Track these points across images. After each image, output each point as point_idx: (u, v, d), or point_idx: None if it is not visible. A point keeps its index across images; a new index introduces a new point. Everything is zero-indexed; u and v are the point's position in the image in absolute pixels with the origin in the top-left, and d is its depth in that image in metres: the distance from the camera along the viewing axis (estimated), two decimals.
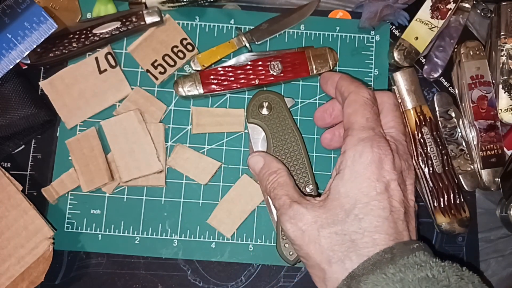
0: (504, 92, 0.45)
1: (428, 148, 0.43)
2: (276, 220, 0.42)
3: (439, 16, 0.45)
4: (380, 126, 0.34)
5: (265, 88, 0.45)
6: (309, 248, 0.31)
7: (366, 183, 0.31)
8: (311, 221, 0.31)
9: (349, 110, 0.34)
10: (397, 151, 0.33)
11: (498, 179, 0.44)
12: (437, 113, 0.45)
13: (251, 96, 0.44)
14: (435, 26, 0.45)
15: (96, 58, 0.44)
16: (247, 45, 0.45)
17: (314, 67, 0.44)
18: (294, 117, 0.43)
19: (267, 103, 0.43)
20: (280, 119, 0.42)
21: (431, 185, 0.43)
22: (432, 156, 0.43)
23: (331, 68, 0.44)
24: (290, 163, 0.42)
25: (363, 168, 0.31)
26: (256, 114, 0.43)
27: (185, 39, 0.45)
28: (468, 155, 0.45)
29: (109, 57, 0.44)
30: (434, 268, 0.27)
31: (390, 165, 0.31)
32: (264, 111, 0.43)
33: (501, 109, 0.45)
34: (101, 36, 0.43)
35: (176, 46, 0.45)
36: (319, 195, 0.42)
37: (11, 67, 0.39)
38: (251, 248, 0.43)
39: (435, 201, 0.43)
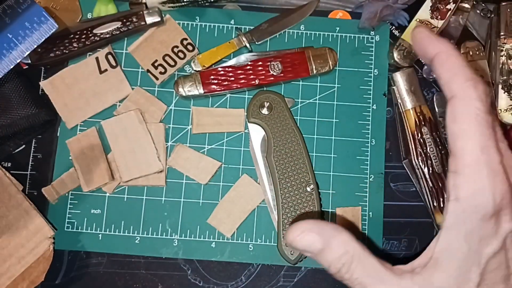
0: (504, 92, 0.45)
1: (428, 148, 0.43)
2: (276, 219, 0.42)
3: (439, 17, 0.45)
4: (498, 151, 0.25)
5: (265, 88, 0.45)
6: None
7: (484, 244, 0.25)
8: None
9: (454, 127, 0.26)
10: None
11: None
12: (437, 113, 0.45)
13: (251, 96, 0.44)
14: (435, 27, 0.45)
15: (97, 58, 0.44)
16: (247, 45, 0.45)
17: (314, 67, 0.44)
18: (294, 117, 0.44)
19: (268, 103, 0.43)
20: (280, 119, 0.43)
21: (431, 185, 0.43)
22: (431, 156, 0.43)
23: (331, 68, 0.44)
24: (290, 163, 0.42)
25: (482, 226, 0.25)
26: (257, 114, 0.43)
27: (186, 39, 0.45)
28: None
29: (110, 57, 0.44)
30: None
31: (510, 215, 0.25)
32: (265, 111, 0.43)
33: (500, 109, 0.45)
34: (101, 36, 0.43)
35: (177, 46, 0.45)
36: (319, 195, 0.42)
37: (11, 67, 0.39)
38: (251, 247, 0.43)
39: (435, 201, 0.43)
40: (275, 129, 0.42)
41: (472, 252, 0.25)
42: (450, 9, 0.45)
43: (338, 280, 0.27)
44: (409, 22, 0.46)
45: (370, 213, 0.44)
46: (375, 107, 0.46)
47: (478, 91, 0.25)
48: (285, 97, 0.44)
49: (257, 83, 0.43)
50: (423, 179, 0.43)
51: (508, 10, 0.45)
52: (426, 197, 0.43)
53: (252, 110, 0.43)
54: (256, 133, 0.43)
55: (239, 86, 0.43)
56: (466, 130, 0.25)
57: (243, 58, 0.44)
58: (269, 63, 0.44)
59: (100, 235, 0.43)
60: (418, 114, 0.43)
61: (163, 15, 0.45)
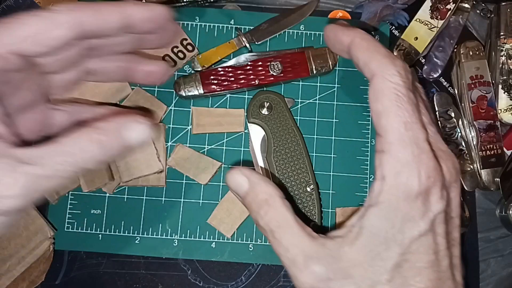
0: (504, 92, 0.45)
1: None
2: None
3: (439, 17, 0.45)
4: (422, 128, 0.25)
5: (265, 88, 0.45)
6: None
7: (409, 224, 0.25)
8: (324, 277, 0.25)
9: (376, 105, 0.26)
10: (445, 163, 0.26)
11: (497, 179, 0.44)
12: (437, 113, 0.45)
13: (251, 96, 0.44)
14: (435, 27, 0.45)
15: None
16: (247, 45, 0.45)
17: (314, 67, 0.44)
18: (294, 117, 0.44)
19: (268, 103, 0.43)
20: (280, 119, 0.43)
21: None
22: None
23: (331, 68, 0.44)
24: (290, 163, 0.42)
25: (407, 205, 0.25)
26: (257, 114, 0.43)
27: (185, 39, 0.45)
28: (467, 155, 0.45)
29: None
30: None
31: (438, 194, 0.25)
32: (265, 111, 0.43)
33: (500, 109, 0.45)
34: None
35: (176, 47, 0.45)
36: (319, 195, 0.42)
37: None
38: (251, 248, 0.43)
39: None
40: (275, 129, 0.42)
41: (394, 231, 0.25)
42: (450, 9, 0.45)
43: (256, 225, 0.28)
44: (409, 22, 0.46)
45: None
46: None
47: (396, 66, 0.25)
48: (285, 97, 0.44)
49: (257, 83, 0.43)
50: None
51: (508, 10, 0.45)
52: None
53: (252, 110, 0.43)
54: (256, 133, 0.43)
55: (239, 86, 0.43)
56: (387, 106, 0.25)
57: (243, 58, 0.44)
58: (269, 63, 0.44)
59: (100, 235, 0.43)
60: None
61: None
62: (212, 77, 0.43)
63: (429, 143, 0.26)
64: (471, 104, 0.44)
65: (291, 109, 0.44)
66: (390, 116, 0.25)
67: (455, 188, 0.27)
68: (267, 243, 0.43)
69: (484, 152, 0.44)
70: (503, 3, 0.45)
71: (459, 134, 0.45)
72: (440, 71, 0.46)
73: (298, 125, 0.43)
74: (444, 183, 0.25)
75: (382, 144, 0.26)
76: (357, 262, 0.25)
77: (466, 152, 0.45)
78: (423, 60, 0.47)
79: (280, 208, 0.28)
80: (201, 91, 0.43)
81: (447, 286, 0.25)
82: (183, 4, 0.45)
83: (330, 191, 0.44)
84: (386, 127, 0.25)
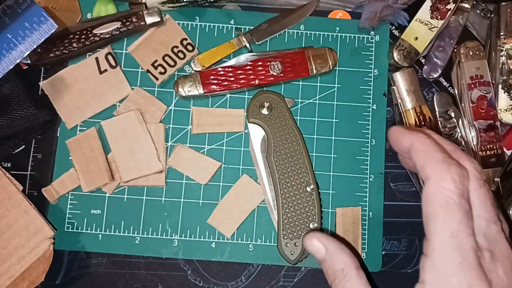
0: (504, 92, 0.45)
1: None
2: (276, 219, 0.42)
3: (439, 16, 0.45)
4: (471, 238, 0.25)
5: (265, 88, 0.45)
6: None
7: None
8: None
9: (427, 209, 0.26)
10: (495, 270, 0.25)
11: (497, 179, 0.44)
12: (437, 113, 0.45)
13: (251, 96, 0.44)
14: (435, 26, 0.45)
15: (97, 58, 0.44)
16: (247, 45, 0.45)
17: (314, 67, 0.44)
18: (294, 117, 0.44)
19: (268, 103, 0.43)
20: (280, 119, 0.43)
21: None
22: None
23: (331, 68, 0.44)
24: (290, 163, 0.42)
25: None
26: (257, 114, 0.43)
27: (185, 39, 0.45)
28: None
29: (110, 57, 0.44)
30: None
31: None
32: (265, 111, 0.43)
33: (500, 109, 0.45)
34: (101, 36, 0.43)
35: (176, 47, 0.45)
36: (319, 195, 0.42)
37: (11, 67, 0.39)
38: (251, 248, 0.43)
39: None
40: (275, 129, 0.42)
41: None
42: (450, 9, 0.45)
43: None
44: (409, 22, 0.46)
45: (370, 213, 0.44)
46: (375, 107, 0.46)
47: (451, 172, 0.25)
48: (285, 97, 0.44)
49: (257, 83, 0.43)
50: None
51: (508, 10, 0.45)
52: None
53: (252, 110, 0.43)
54: (256, 133, 0.43)
55: (239, 86, 0.43)
56: (436, 212, 0.25)
57: (243, 58, 0.44)
58: (269, 63, 0.44)
59: (100, 235, 0.43)
60: (418, 114, 0.43)
61: (163, 15, 0.45)
62: (212, 77, 0.43)
63: (477, 251, 0.25)
64: (471, 104, 0.44)
65: (291, 109, 0.44)
66: (438, 221, 0.25)
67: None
68: (267, 243, 0.43)
69: (484, 152, 0.44)
70: (503, 3, 0.45)
71: (459, 134, 0.45)
72: (440, 71, 0.46)
73: (298, 125, 0.43)
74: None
75: (426, 247, 0.25)
76: None
77: (466, 152, 0.45)
78: (423, 60, 0.47)
79: (354, 279, 0.28)
80: (201, 91, 0.43)
81: None
82: (183, 4, 0.45)
83: (330, 191, 0.44)
84: (432, 231, 0.25)
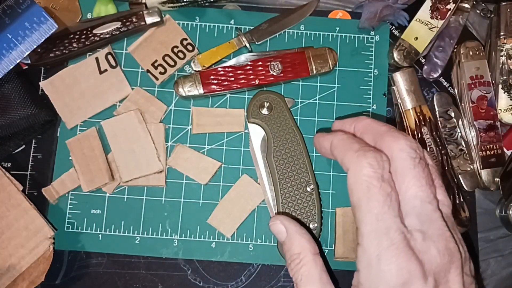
0: (504, 92, 0.45)
1: (428, 148, 0.43)
2: None
3: (439, 16, 0.45)
4: (397, 220, 0.25)
5: (265, 88, 0.45)
6: None
7: None
8: None
9: (352, 199, 0.26)
10: (428, 250, 0.25)
11: (497, 179, 0.44)
12: (437, 113, 0.45)
13: (251, 96, 0.44)
14: (435, 26, 0.45)
15: (97, 58, 0.44)
16: (247, 45, 0.45)
17: (314, 67, 0.44)
18: (294, 117, 0.43)
19: (268, 103, 0.43)
20: (280, 119, 0.43)
21: None
22: (431, 156, 0.43)
23: (331, 68, 0.44)
24: (290, 163, 0.42)
25: None
26: (257, 114, 0.43)
27: (185, 39, 0.45)
28: (467, 155, 0.45)
29: (110, 57, 0.44)
30: None
31: (419, 279, 0.24)
32: (265, 111, 0.43)
33: (500, 109, 0.45)
34: (101, 36, 0.43)
35: (176, 46, 0.45)
36: (319, 195, 0.42)
37: (11, 67, 0.39)
38: (251, 248, 0.43)
39: None
40: (275, 129, 0.42)
41: None
42: (450, 9, 0.45)
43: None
44: (409, 22, 0.46)
45: None
46: (375, 107, 0.46)
47: (367, 158, 0.26)
48: (285, 97, 0.44)
49: (257, 83, 0.43)
50: None
51: (508, 10, 0.45)
52: None
53: (252, 110, 0.43)
54: (256, 133, 0.43)
55: (239, 86, 0.43)
56: (360, 199, 0.25)
57: (243, 58, 0.44)
58: (269, 63, 0.44)
59: (100, 235, 0.43)
60: (418, 114, 0.43)
61: (163, 15, 0.45)
62: (212, 77, 0.43)
63: (404, 231, 0.25)
64: (471, 104, 0.44)
65: (291, 109, 0.44)
66: (363, 208, 0.25)
67: (455, 270, 0.25)
68: (267, 243, 0.43)
69: (484, 152, 0.44)
70: (503, 3, 0.45)
71: (459, 134, 0.45)
72: (440, 71, 0.46)
73: (298, 125, 0.43)
74: (429, 271, 0.24)
75: (358, 236, 0.26)
76: None
77: (466, 152, 0.45)
78: (423, 60, 0.47)
79: (309, 264, 0.29)
80: (201, 91, 0.43)
81: None
82: (183, 4, 0.45)
83: (330, 191, 0.44)
84: (360, 219, 0.25)
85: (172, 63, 0.45)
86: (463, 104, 0.45)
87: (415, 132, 0.43)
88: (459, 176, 0.44)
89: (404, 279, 0.23)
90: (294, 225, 0.31)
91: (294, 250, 0.30)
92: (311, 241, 0.30)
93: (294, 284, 0.30)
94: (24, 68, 0.44)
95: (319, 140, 0.31)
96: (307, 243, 0.30)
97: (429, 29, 0.45)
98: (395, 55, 0.45)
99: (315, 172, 0.43)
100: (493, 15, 0.47)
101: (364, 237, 0.25)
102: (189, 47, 0.45)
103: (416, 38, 0.45)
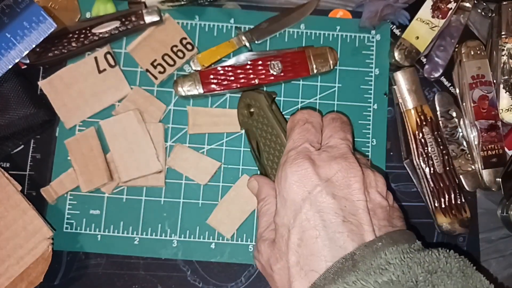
0: (505, 92, 0.44)
1: (429, 148, 0.43)
2: None
3: (440, 16, 0.45)
4: (307, 141, 0.33)
5: (264, 88, 0.45)
6: (269, 280, 0.32)
7: (293, 207, 0.30)
8: (266, 259, 0.32)
9: (287, 133, 0.35)
10: (325, 158, 0.31)
11: (499, 179, 0.43)
12: (438, 113, 0.44)
13: None
14: (436, 26, 0.45)
15: (95, 58, 0.44)
16: (247, 44, 0.45)
17: (314, 66, 0.44)
18: (279, 111, 0.40)
19: (250, 105, 0.41)
20: (263, 117, 0.39)
21: (432, 185, 0.42)
22: (433, 156, 0.43)
23: (331, 68, 0.44)
24: (279, 161, 0.38)
25: (287, 193, 0.30)
26: (244, 118, 0.41)
27: (185, 38, 0.45)
28: (469, 155, 0.44)
29: (109, 56, 0.44)
30: (398, 269, 0.25)
31: (312, 176, 0.30)
32: (248, 114, 0.41)
33: (502, 109, 0.44)
34: (100, 35, 0.43)
35: (176, 46, 0.45)
36: None
37: (10, 66, 0.39)
38: (251, 248, 0.43)
39: (436, 201, 0.42)
40: (260, 131, 0.40)
41: None
42: (451, 8, 0.45)
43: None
44: (410, 21, 0.46)
45: None
46: (376, 107, 0.45)
47: (303, 111, 0.35)
48: (266, 92, 0.41)
49: (257, 82, 0.43)
50: (424, 179, 0.43)
51: (510, 9, 0.45)
52: (427, 197, 0.43)
53: (241, 115, 0.42)
54: (251, 139, 0.42)
55: (238, 86, 0.43)
56: (288, 135, 0.35)
57: (243, 57, 0.44)
58: (269, 63, 0.43)
59: (99, 236, 0.43)
60: (419, 113, 0.43)
61: (162, 14, 0.45)
62: (211, 76, 0.43)
63: (310, 152, 0.32)
64: (472, 104, 0.44)
65: (290, 109, 0.43)
66: (290, 138, 0.34)
67: (353, 175, 0.30)
68: None
69: (485, 152, 0.44)
70: (504, 2, 0.45)
71: (461, 134, 0.45)
72: (441, 71, 0.46)
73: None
74: (317, 170, 0.30)
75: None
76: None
77: (468, 152, 0.44)
78: (424, 60, 0.47)
79: (271, 204, 0.35)
80: (201, 91, 0.43)
81: None
82: (182, 3, 0.45)
83: None
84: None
85: (171, 62, 0.44)
86: (464, 104, 0.45)
87: (416, 132, 0.43)
88: (461, 176, 0.44)
89: (298, 176, 0.30)
90: (265, 179, 0.37)
91: (261, 196, 0.36)
92: (275, 188, 0.35)
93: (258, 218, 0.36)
94: (22, 67, 0.44)
95: (248, 186, 0.38)
96: (272, 190, 0.35)
97: (430, 28, 0.45)
98: (396, 54, 0.45)
99: None
100: (494, 15, 0.46)
101: (283, 155, 0.33)
102: (189, 46, 0.45)
103: (417, 38, 0.45)
